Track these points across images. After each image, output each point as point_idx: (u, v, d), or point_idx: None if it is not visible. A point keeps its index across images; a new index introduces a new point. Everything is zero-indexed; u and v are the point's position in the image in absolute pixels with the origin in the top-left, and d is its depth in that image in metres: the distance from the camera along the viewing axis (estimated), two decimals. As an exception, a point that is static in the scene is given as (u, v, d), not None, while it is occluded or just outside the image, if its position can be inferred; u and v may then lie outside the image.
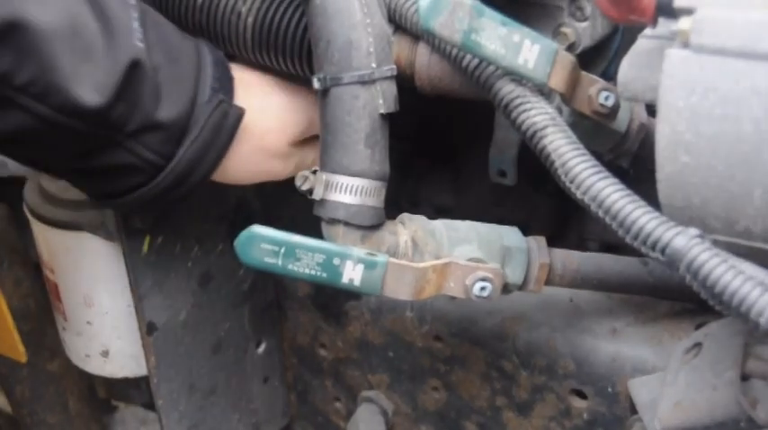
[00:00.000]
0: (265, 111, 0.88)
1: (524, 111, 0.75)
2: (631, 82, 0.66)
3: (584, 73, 0.81)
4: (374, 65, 0.78)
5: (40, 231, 1.12)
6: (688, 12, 0.59)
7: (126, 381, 1.25)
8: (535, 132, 0.74)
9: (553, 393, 0.99)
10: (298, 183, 0.82)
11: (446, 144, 1.19)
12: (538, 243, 0.88)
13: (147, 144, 0.80)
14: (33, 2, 0.71)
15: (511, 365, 1.01)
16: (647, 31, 0.67)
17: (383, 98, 0.79)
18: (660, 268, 0.87)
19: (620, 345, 0.94)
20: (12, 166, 1.26)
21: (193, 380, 1.13)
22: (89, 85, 0.74)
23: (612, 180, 0.67)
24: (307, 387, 1.26)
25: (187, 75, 0.81)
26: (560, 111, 0.79)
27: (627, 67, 0.67)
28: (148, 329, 1.05)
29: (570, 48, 0.89)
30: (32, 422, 1.41)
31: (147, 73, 0.77)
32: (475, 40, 0.73)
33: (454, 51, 0.79)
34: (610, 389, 0.95)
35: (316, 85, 0.79)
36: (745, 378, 0.70)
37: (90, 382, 1.42)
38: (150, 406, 1.31)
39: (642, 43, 0.67)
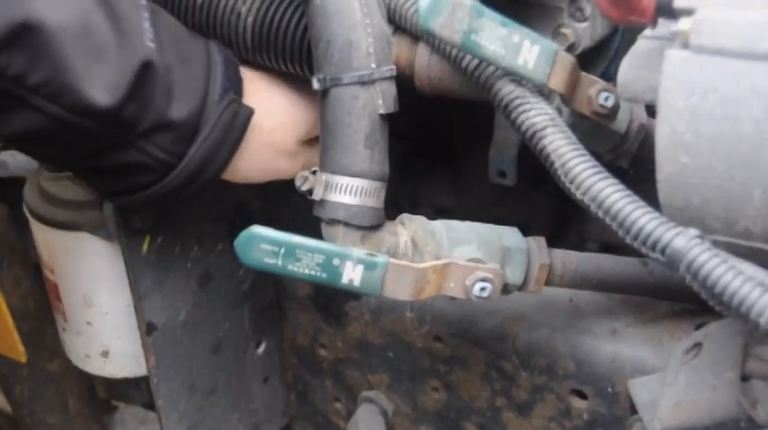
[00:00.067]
0: (273, 110, 0.88)
1: (524, 111, 0.75)
2: (631, 82, 0.66)
3: (583, 73, 0.81)
4: (374, 65, 0.78)
5: (40, 231, 1.12)
6: (688, 12, 0.59)
7: (126, 381, 1.24)
8: (535, 133, 0.74)
9: (553, 393, 0.99)
10: (297, 183, 0.82)
11: (446, 144, 1.19)
12: (538, 243, 0.88)
13: (158, 143, 0.80)
14: (45, 2, 0.71)
15: (511, 366, 1.01)
16: (647, 31, 0.67)
17: (383, 98, 0.79)
18: (660, 268, 0.87)
19: (620, 346, 0.94)
20: (12, 166, 1.26)
21: (193, 380, 1.13)
22: (101, 86, 0.74)
23: (612, 180, 0.67)
24: (307, 387, 1.26)
25: (198, 74, 0.81)
26: (560, 111, 0.79)
27: (627, 68, 0.67)
28: (148, 329, 1.05)
29: (570, 48, 0.89)
30: (32, 422, 1.41)
31: (158, 73, 0.77)
32: (475, 41, 0.73)
33: (454, 52, 0.79)
34: (610, 390, 0.94)
35: (315, 85, 0.79)
36: (745, 378, 0.70)
37: (90, 382, 1.42)
38: (150, 406, 1.30)
39: (642, 44, 0.67)
